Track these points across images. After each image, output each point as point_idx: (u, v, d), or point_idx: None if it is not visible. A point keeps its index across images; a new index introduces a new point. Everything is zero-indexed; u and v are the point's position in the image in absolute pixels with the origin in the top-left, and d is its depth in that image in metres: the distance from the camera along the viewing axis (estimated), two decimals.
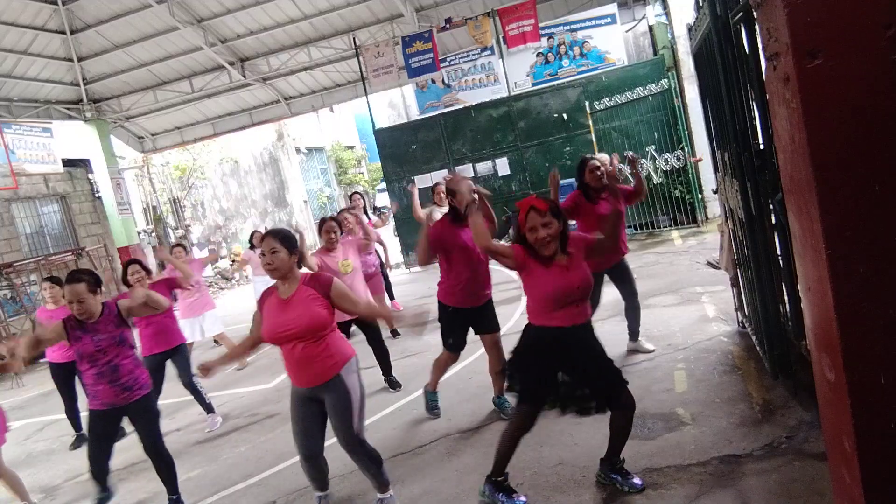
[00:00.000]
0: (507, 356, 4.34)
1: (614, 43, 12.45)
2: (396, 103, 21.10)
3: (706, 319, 5.55)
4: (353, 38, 12.81)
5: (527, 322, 3.12)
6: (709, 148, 5.06)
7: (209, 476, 4.56)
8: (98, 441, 3.83)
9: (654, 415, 3.90)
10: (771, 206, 3.49)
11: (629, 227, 10.47)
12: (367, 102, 12.98)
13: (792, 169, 1.79)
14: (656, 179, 10.91)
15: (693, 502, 2.96)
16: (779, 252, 3.62)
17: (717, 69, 3.81)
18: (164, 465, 3.92)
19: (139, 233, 16.57)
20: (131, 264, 5.47)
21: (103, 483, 3.91)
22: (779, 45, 1.69)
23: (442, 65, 12.68)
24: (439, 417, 4.61)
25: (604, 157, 7.62)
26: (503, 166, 12.14)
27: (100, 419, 3.79)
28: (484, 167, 12.28)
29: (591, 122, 11.23)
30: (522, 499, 3.18)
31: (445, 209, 4.58)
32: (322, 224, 5.45)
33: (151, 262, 14.00)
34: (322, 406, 3.21)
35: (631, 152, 5.15)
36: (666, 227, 10.89)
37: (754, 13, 2.49)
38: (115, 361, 3.72)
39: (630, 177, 10.75)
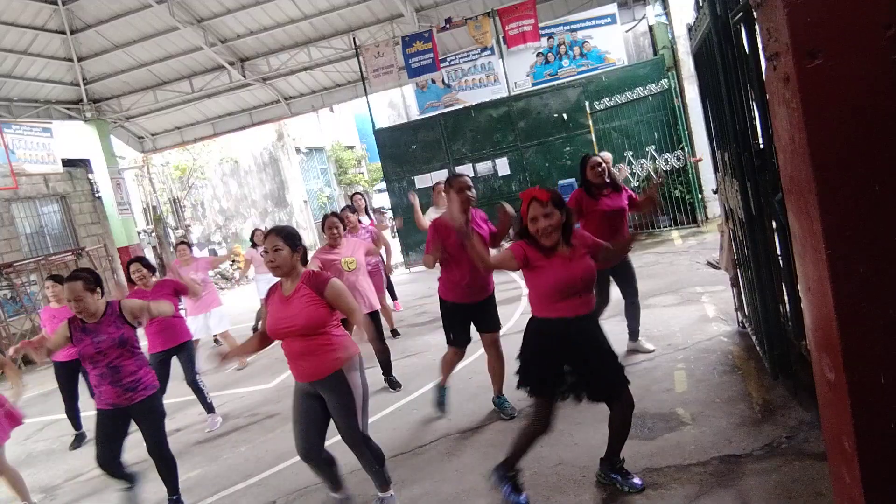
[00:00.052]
0: (507, 356, 4.41)
1: (614, 43, 12.46)
2: (396, 103, 21.10)
3: (706, 319, 5.55)
4: (353, 38, 12.81)
5: (530, 316, 3.12)
6: (709, 148, 5.06)
7: (209, 476, 4.56)
8: (106, 441, 3.81)
9: (654, 415, 3.90)
10: (771, 206, 3.49)
11: (629, 226, 10.48)
12: (367, 102, 12.98)
13: (792, 169, 1.79)
14: (656, 180, 10.90)
15: (693, 502, 2.96)
16: (779, 252, 3.62)
17: (717, 69, 3.81)
18: (166, 467, 3.91)
19: (139, 233, 16.58)
20: (133, 263, 5.48)
21: (121, 478, 3.93)
22: (779, 45, 1.69)
23: (442, 65, 12.69)
24: (444, 414, 4.59)
25: (606, 155, 7.64)
26: (503, 166, 12.14)
27: (106, 419, 3.80)
28: (484, 167, 12.27)
29: (591, 122, 11.23)
30: (523, 498, 3.17)
31: (444, 209, 4.59)
32: (324, 220, 5.46)
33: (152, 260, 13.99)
34: (323, 404, 3.20)
35: (657, 180, 5.17)
36: (666, 227, 10.89)
37: (754, 13, 2.49)
38: (115, 363, 3.72)
39: (633, 182, 10.79)
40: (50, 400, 8.09)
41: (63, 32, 12.56)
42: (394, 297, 8.69)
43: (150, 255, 16.16)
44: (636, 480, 3.14)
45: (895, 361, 1.63)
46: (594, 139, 11.22)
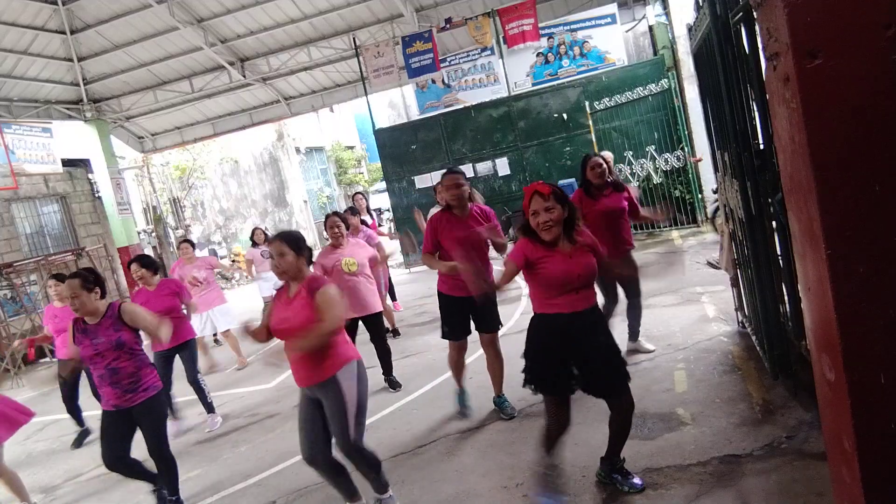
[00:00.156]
0: (507, 356, 4.41)
1: (614, 43, 12.47)
2: (396, 103, 21.11)
3: (706, 319, 5.55)
4: (353, 38, 12.81)
5: (532, 314, 3.12)
6: (709, 148, 5.06)
7: (209, 476, 4.56)
8: (110, 441, 3.82)
9: (654, 415, 3.90)
10: (771, 206, 3.49)
11: (630, 225, 10.47)
12: (367, 102, 12.98)
13: (792, 169, 1.79)
14: (656, 179, 10.92)
15: (693, 502, 2.96)
16: (779, 252, 3.62)
17: (717, 69, 3.81)
18: (166, 468, 3.91)
19: (139, 233, 16.58)
20: (132, 263, 5.48)
21: (136, 477, 3.97)
22: (779, 45, 1.69)
23: (442, 65, 12.69)
24: (468, 416, 4.51)
25: (607, 154, 7.64)
26: (503, 166, 12.14)
27: (110, 419, 3.82)
28: (484, 167, 12.28)
29: (591, 122, 11.23)
30: (564, 499, 3.14)
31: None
32: (327, 220, 5.46)
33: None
34: (323, 409, 3.21)
35: (662, 216, 5.14)
36: (666, 227, 10.89)
37: (754, 13, 2.49)
38: (113, 364, 3.73)
39: (633, 182, 10.79)
40: (50, 400, 8.09)
41: (63, 32, 12.56)
42: (393, 298, 8.70)
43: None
44: (636, 480, 3.14)
45: (895, 361, 1.63)
46: (594, 139, 11.22)
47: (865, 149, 1.58)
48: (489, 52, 13.10)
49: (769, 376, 3.94)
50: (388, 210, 17.88)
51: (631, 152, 11.03)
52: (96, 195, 15.44)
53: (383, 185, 15.93)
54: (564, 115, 11.60)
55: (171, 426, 5.60)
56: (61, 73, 13.50)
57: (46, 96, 13.57)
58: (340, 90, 15.40)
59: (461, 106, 13.03)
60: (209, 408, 5.67)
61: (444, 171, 4.35)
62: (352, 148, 26.62)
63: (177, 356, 5.49)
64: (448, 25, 12.16)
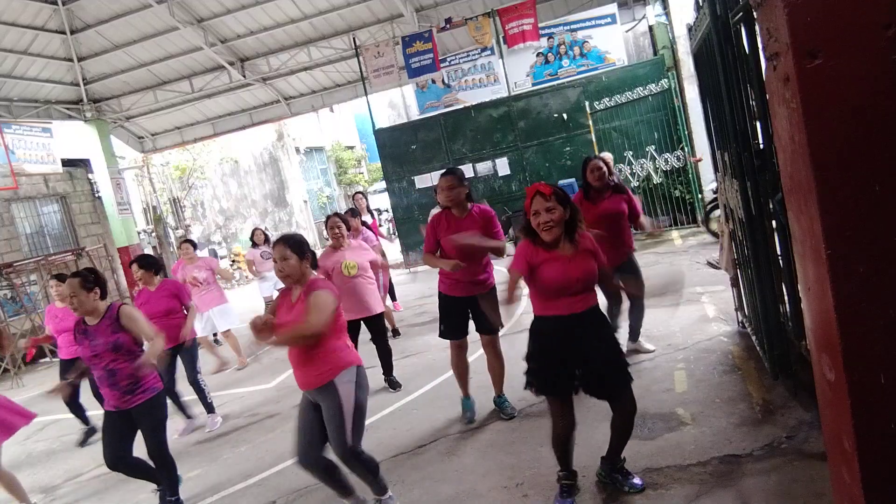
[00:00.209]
0: (507, 356, 4.41)
1: (614, 43, 12.47)
2: (396, 103, 21.12)
3: (706, 319, 5.55)
4: (353, 38, 12.81)
5: (533, 316, 3.13)
6: (709, 148, 5.06)
7: (209, 476, 4.56)
8: (111, 441, 3.83)
9: (654, 415, 3.90)
10: (771, 206, 3.49)
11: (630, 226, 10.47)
12: (367, 102, 12.98)
13: (792, 169, 1.79)
14: (656, 179, 10.92)
15: (693, 502, 2.96)
16: (779, 252, 3.62)
17: (717, 69, 3.81)
18: (166, 469, 3.90)
19: (139, 233, 16.57)
20: (132, 264, 5.50)
21: (138, 476, 3.97)
22: (779, 45, 1.69)
23: (442, 65, 12.69)
24: (472, 423, 4.45)
25: (607, 155, 7.64)
26: (503, 166, 12.14)
27: (112, 420, 3.83)
28: (484, 167, 12.28)
29: (591, 122, 11.23)
30: (570, 501, 3.15)
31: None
32: (327, 221, 5.45)
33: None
34: (322, 413, 3.22)
35: (658, 223, 5.08)
36: (666, 227, 10.89)
37: (754, 13, 2.49)
38: (111, 366, 3.72)
39: (633, 182, 10.80)
40: (50, 400, 8.09)
41: (63, 32, 12.56)
42: (393, 298, 8.70)
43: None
44: (636, 480, 3.14)
45: (895, 361, 1.63)
46: (594, 139, 11.22)
47: (865, 149, 1.59)
48: (489, 52, 13.11)
49: (769, 376, 3.94)
50: (386, 210, 17.91)
51: (631, 152, 11.02)
52: (96, 195, 15.44)
53: (383, 184, 15.92)
54: (564, 115, 11.60)
55: (182, 425, 5.63)
56: (61, 73, 13.50)
57: (46, 96, 13.57)
58: (340, 90, 15.40)
59: (461, 106, 13.03)
60: (209, 408, 5.67)
61: (444, 171, 4.36)
62: (352, 148, 26.63)
63: (178, 357, 5.49)
64: (448, 25, 12.15)
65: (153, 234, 18.39)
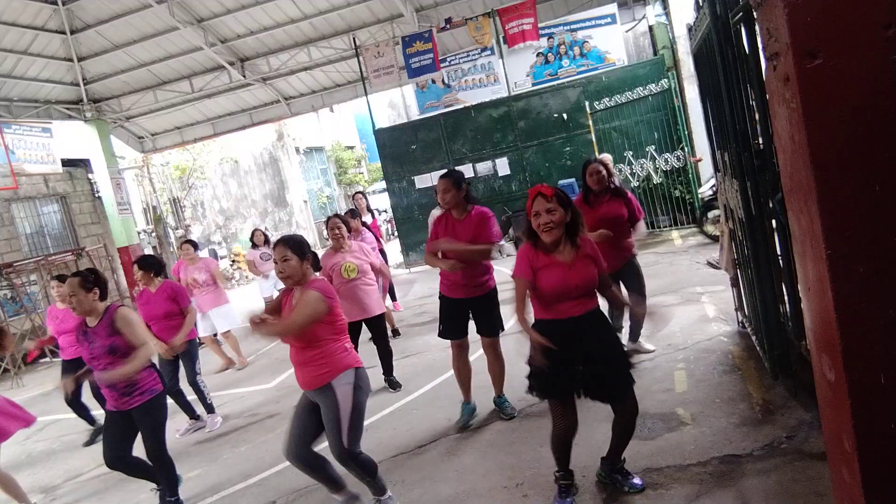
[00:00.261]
0: (507, 356, 4.41)
1: (614, 43, 12.47)
2: (396, 103, 21.13)
3: (706, 319, 5.55)
4: (353, 38, 12.81)
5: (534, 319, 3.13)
6: (709, 148, 5.06)
7: (209, 476, 4.56)
8: (111, 441, 3.86)
9: (654, 415, 3.90)
10: (771, 206, 3.49)
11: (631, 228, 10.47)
12: (367, 102, 12.98)
13: (792, 169, 1.79)
14: (656, 179, 10.92)
15: (693, 502, 2.96)
16: (779, 252, 3.62)
17: (717, 69, 3.81)
18: (164, 470, 3.91)
19: (139, 233, 16.57)
20: (134, 265, 5.51)
21: (137, 475, 3.99)
22: (779, 45, 1.69)
23: (442, 65, 12.69)
24: (466, 428, 4.42)
25: (606, 157, 7.63)
26: (503, 166, 12.14)
27: (112, 420, 3.85)
28: (484, 167, 12.28)
29: (591, 122, 11.23)
30: (569, 500, 3.15)
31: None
32: (328, 222, 5.45)
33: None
34: (319, 413, 3.23)
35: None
36: (666, 227, 10.89)
37: (754, 13, 2.49)
38: (108, 368, 3.73)
39: (633, 182, 10.81)
40: (50, 400, 8.10)
41: (63, 32, 12.56)
42: (393, 298, 8.70)
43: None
44: (636, 480, 3.14)
45: (895, 361, 1.63)
46: (594, 139, 11.22)
47: (865, 149, 1.59)
48: (489, 52, 13.11)
49: (769, 376, 3.94)
50: (384, 211, 17.91)
51: (631, 152, 11.02)
52: (96, 195, 15.43)
53: (383, 184, 15.92)
54: (564, 115, 11.60)
55: (185, 425, 5.62)
56: (61, 73, 13.50)
57: (46, 96, 13.57)
58: (340, 90, 15.40)
59: (461, 106, 13.03)
60: (209, 408, 5.67)
61: (442, 174, 4.38)
62: (352, 148, 26.64)
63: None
64: (448, 25, 12.16)
65: (153, 234, 18.40)
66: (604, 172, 4.73)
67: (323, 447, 3.32)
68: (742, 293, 4.74)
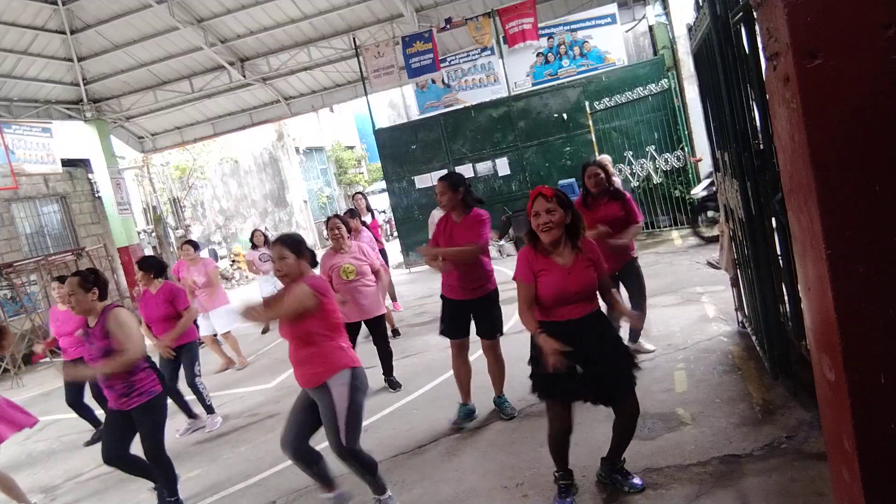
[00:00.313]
0: (508, 356, 4.41)
1: (614, 43, 12.46)
2: (396, 103, 21.13)
3: (706, 319, 5.55)
4: (353, 38, 12.81)
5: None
6: (709, 148, 5.06)
7: (209, 476, 4.56)
8: (110, 439, 3.90)
9: (654, 415, 3.90)
10: (771, 206, 3.49)
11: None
12: (367, 102, 12.98)
13: (792, 169, 1.79)
14: (656, 179, 10.92)
15: (693, 502, 2.96)
16: (779, 252, 3.62)
17: (717, 69, 3.81)
18: (163, 471, 3.91)
19: (139, 233, 16.57)
20: (136, 265, 5.52)
21: (134, 473, 4.01)
22: (779, 45, 1.69)
23: (442, 65, 12.68)
24: (460, 429, 4.43)
25: (605, 158, 7.64)
26: (503, 166, 12.14)
27: (113, 418, 3.88)
28: (484, 167, 12.28)
29: (591, 122, 11.23)
30: (569, 500, 3.15)
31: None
32: (327, 223, 5.46)
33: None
34: (316, 409, 3.26)
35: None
36: (666, 227, 10.89)
37: (754, 13, 2.48)
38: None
39: (633, 182, 10.80)
40: (50, 400, 8.10)
41: (63, 32, 12.56)
42: (393, 298, 8.70)
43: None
44: (636, 480, 3.14)
45: (895, 361, 1.63)
46: (594, 139, 11.22)
47: (865, 149, 1.58)
48: (489, 52, 13.10)
49: (769, 376, 3.94)
50: (382, 212, 17.92)
51: (631, 152, 11.02)
52: (96, 195, 15.43)
53: (383, 184, 15.92)
54: (564, 115, 11.60)
55: (184, 425, 5.62)
56: (61, 73, 13.50)
57: (46, 96, 13.57)
58: (340, 90, 15.40)
59: (461, 106, 13.03)
60: (209, 409, 5.67)
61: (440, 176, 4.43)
62: (352, 148, 26.64)
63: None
64: (448, 25, 12.15)
65: (153, 234, 18.40)
66: (602, 175, 4.74)
67: (325, 446, 3.33)
68: (742, 293, 4.74)
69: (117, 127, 15.83)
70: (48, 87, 13.42)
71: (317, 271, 3.57)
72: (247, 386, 6.83)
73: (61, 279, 5.87)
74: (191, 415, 5.68)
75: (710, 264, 7.48)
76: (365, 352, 5.70)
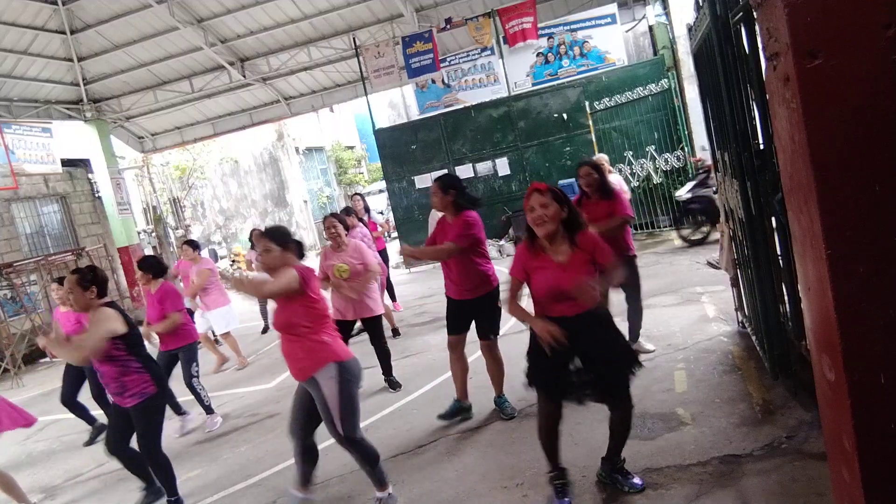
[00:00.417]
0: (507, 356, 4.41)
1: (614, 43, 12.46)
2: (396, 103, 21.12)
3: (706, 319, 5.55)
4: (353, 38, 12.81)
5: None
6: (709, 148, 5.06)
7: (209, 476, 4.56)
8: (114, 431, 4.03)
9: (654, 415, 3.90)
10: (771, 206, 3.49)
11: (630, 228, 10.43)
12: (367, 102, 12.98)
13: (792, 169, 1.79)
14: (656, 179, 10.91)
15: (693, 502, 2.96)
16: (779, 252, 3.62)
17: (717, 69, 3.81)
18: (161, 471, 3.92)
19: (139, 233, 16.57)
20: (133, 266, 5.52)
21: (127, 465, 4.08)
22: (779, 45, 1.69)
23: (442, 65, 12.68)
24: (445, 422, 4.50)
25: (602, 157, 7.64)
26: (503, 166, 12.14)
27: (114, 412, 3.98)
28: (484, 167, 12.28)
29: (591, 122, 11.23)
30: (566, 500, 3.16)
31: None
32: (324, 222, 5.49)
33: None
34: (312, 398, 3.32)
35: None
36: (666, 227, 10.88)
37: (754, 13, 2.49)
38: (99, 368, 3.80)
39: (633, 182, 10.79)
40: (50, 400, 8.09)
41: (63, 32, 12.55)
42: (393, 298, 8.70)
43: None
44: (636, 480, 3.14)
45: (895, 361, 1.63)
46: (594, 139, 11.22)
47: (865, 149, 1.58)
48: (489, 52, 13.10)
49: (769, 376, 3.94)
50: (380, 212, 17.93)
51: (631, 152, 11.02)
52: (96, 195, 15.43)
53: (382, 185, 15.91)
54: (564, 115, 11.60)
55: (176, 423, 5.63)
56: (61, 73, 13.49)
57: (46, 96, 13.57)
58: (340, 90, 15.39)
59: (461, 106, 13.03)
60: (207, 409, 5.66)
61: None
62: (352, 148, 26.64)
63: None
64: (448, 25, 12.15)
65: (153, 234, 18.40)
66: (594, 175, 4.75)
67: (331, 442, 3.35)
68: (742, 293, 4.74)
69: (117, 127, 15.83)
70: (48, 87, 13.42)
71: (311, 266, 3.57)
72: (247, 386, 6.83)
73: (60, 280, 5.87)
74: (178, 411, 5.70)
75: (710, 264, 7.48)
76: (365, 352, 5.71)
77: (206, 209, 23.32)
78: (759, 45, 2.56)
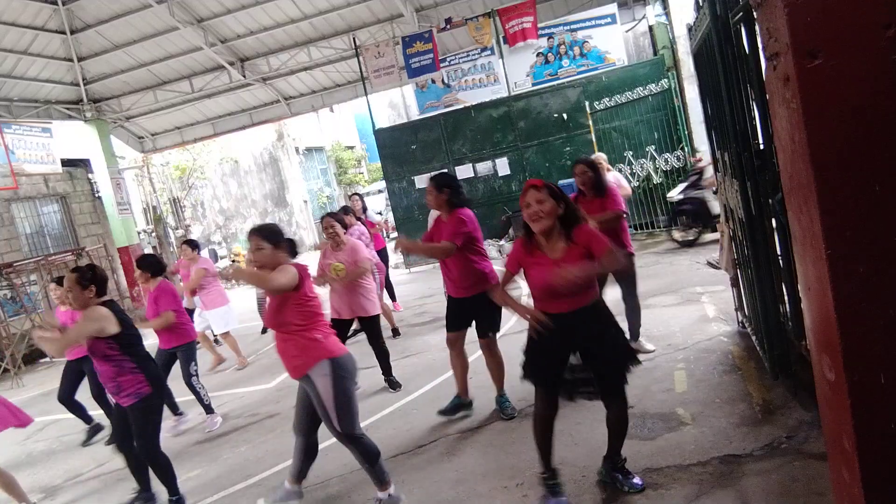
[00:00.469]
0: (507, 356, 4.42)
1: (614, 43, 12.45)
2: (396, 103, 21.14)
3: (706, 319, 5.55)
4: (353, 38, 12.81)
5: None
6: (709, 148, 5.06)
7: (209, 476, 4.56)
8: (116, 427, 4.12)
9: (654, 415, 3.90)
10: (771, 207, 3.49)
11: (630, 226, 10.42)
12: (367, 102, 12.98)
13: (792, 169, 1.79)
14: (656, 179, 10.91)
15: (693, 502, 2.96)
16: (779, 252, 3.62)
17: (717, 69, 3.81)
18: (159, 470, 3.92)
19: (139, 233, 16.57)
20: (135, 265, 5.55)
21: (135, 474, 4.08)
22: (779, 45, 1.69)
23: (442, 65, 12.68)
24: (443, 417, 4.54)
25: (600, 156, 7.64)
26: (503, 166, 12.14)
27: (116, 409, 4.01)
28: (484, 167, 12.27)
29: (591, 122, 11.23)
30: (563, 499, 3.16)
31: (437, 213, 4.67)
32: (322, 221, 5.51)
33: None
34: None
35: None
36: (666, 227, 10.87)
37: (754, 13, 2.48)
38: (97, 367, 3.83)
39: (633, 182, 10.79)
40: (50, 400, 8.08)
41: (63, 32, 12.55)
42: (393, 298, 8.70)
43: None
44: (636, 480, 3.14)
45: (895, 361, 1.63)
46: (594, 139, 11.22)
47: (865, 149, 1.58)
48: (489, 52, 13.09)
49: (769, 376, 3.94)
50: (379, 213, 17.93)
51: (631, 152, 11.02)
52: (96, 195, 15.43)
53: (382, 185, 15.91)
54: (564, 115, 11.60)
55: (171, 423, 5.63)
56: (61, 73, 13.49)
57: (46, 96, 13.57)
58: (340, 90, 15.39)
59: (461, 106, 13.02)
60: (207, 409, 5.66)
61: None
62: (352, 148, 26.64)
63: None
64: (448, 25, 12.15)
65: (153, 234, 18.39)
66: (589, 173, 4.78)
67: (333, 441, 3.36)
68: (742, 293, 4.74)
69: (117, 127, 15.83)
70: (48, 87, 13.42)
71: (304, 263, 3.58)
72: (247, 386, 6.83)
73: (59, 280, 5.87)
74: (175, 412, 5.70)
75: (710, 264, 7.48)
76: (365, 352, 5.71)
77: (206, 209, 23.32)
78: (759, 45, 2.56)
